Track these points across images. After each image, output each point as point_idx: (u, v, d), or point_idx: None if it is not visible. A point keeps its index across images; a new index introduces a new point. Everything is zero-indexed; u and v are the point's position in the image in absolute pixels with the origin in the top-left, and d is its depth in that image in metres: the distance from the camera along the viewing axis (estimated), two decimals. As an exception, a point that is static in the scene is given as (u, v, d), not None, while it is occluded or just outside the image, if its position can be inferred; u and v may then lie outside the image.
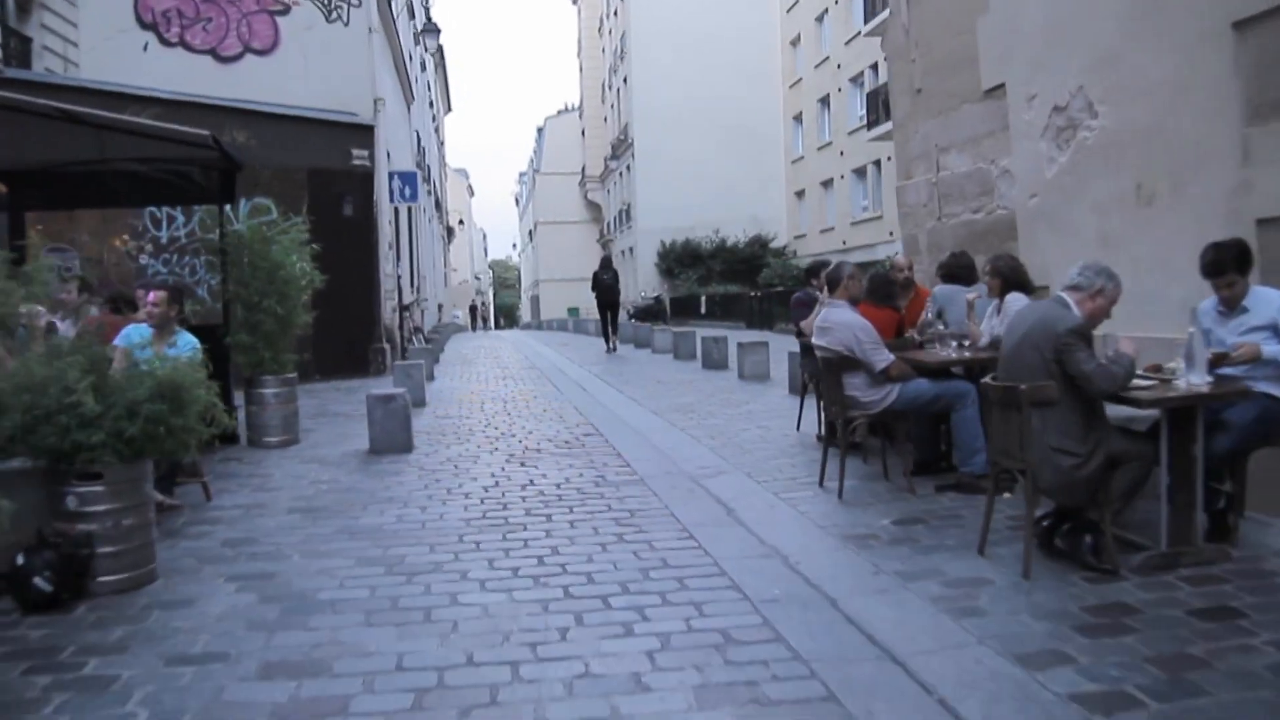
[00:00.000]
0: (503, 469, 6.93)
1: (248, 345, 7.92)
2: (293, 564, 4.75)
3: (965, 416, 5.72)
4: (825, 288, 6.18)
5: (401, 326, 15.07)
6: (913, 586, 4.07)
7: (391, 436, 7.58)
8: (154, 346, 6.07)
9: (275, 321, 7.99)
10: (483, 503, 5.93)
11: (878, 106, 28.04)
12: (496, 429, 8.86)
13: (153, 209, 12.08)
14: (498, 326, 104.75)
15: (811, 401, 8.08)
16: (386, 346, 14.15)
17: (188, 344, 5.99)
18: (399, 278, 15.15)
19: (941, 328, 6.41)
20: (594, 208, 58.69)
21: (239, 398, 8.20)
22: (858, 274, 6.03)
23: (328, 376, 13.42)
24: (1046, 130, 6.61)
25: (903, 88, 8.74)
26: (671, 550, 4.81)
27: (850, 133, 32.95)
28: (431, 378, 13.64)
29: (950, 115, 7.94)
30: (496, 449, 7.77)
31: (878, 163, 30.97)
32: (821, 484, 6.06)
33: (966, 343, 6.04)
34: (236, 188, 8.48)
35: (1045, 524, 4.44)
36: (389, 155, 15.61)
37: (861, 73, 31.89)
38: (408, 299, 17.52)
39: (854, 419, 5.85)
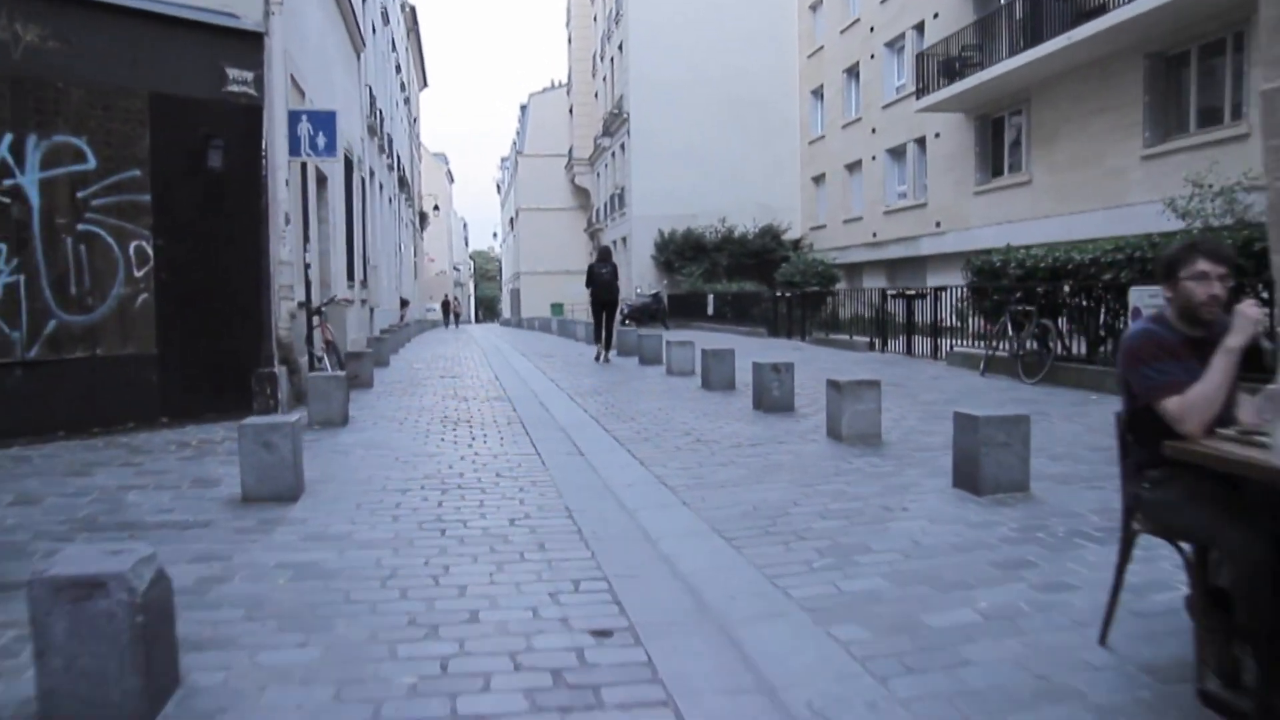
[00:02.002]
0: None
1: None
2: None
3: None
4: None
5: (311, 339, 10.33)
6: None
7: (91, 696, 2.86)
8: None
9: None
10: None
11: (929, 71, 23.40)
12: (403, 591, 4.14)
13: None
14: (477, 320, 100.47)
15: (1148, 569, 3.45)
16: (282, 370, 9.41)
17: None
18: (307, 267, 10.37)
19: None
20: (581, 193, 53.81)
21: None
22: None
23: (181, 420, 8.65)
24: None
25: None
26: None
27: (885, 106, 28.30)
28: (345, 421, 8.92)
29: None
30: (371, 698, 3.05)
31: (921, 140, 26.34)
32: None
33: None
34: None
35: None
36: (298, 87, 10.84)
37: (902, 35, 27.23)
38: (334, 293, 12.71)
39: None
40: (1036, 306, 11.47)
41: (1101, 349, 10.71)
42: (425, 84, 54.11)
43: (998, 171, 22.85)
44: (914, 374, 12.54)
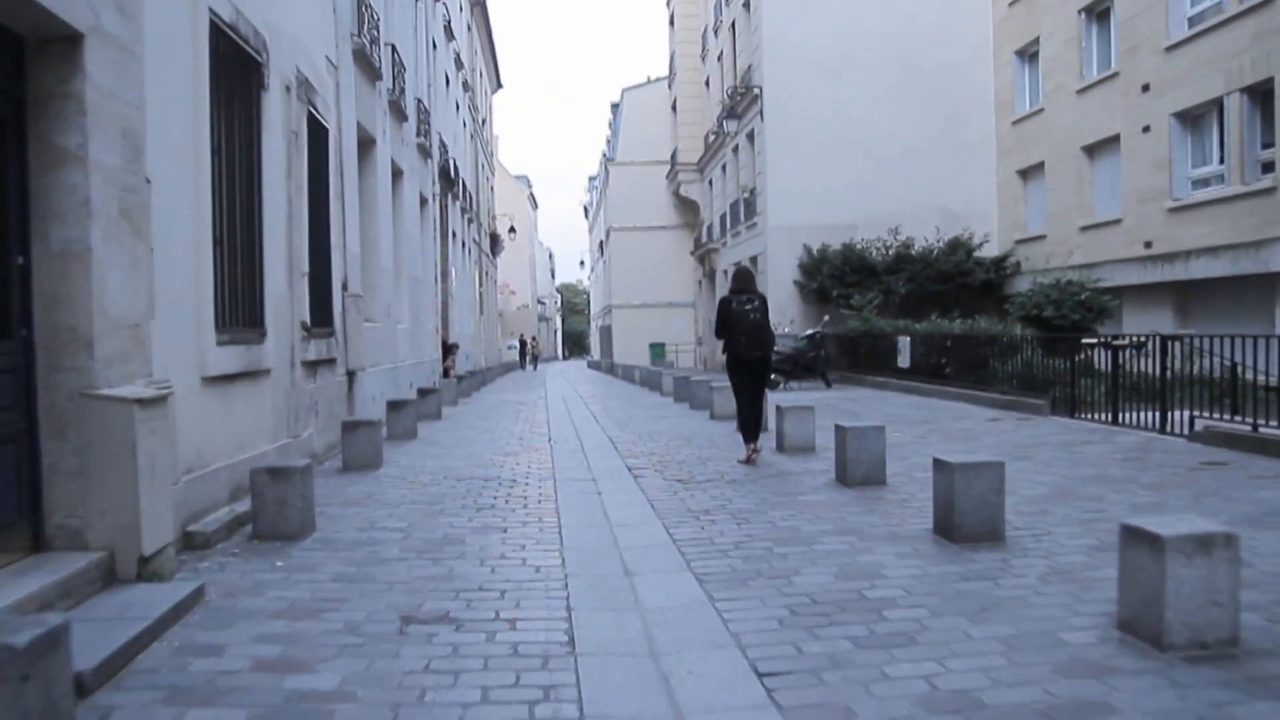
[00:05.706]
0: None
1: None
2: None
3: None
4: None
5: None
6: None
7: None
8: None
9: None
10: None
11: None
12: None
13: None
14: (564, 357, 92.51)
15: None
16: None
17: None
18: None
19: None
20: (688, 207, 44.57)
21: None
22: None
23: None
24: None
25: None
26: None
27: (1170, 48, 18.52)
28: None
29: None
30: None
31: (1255, 89, 16.47)
32: None
33: None
34: None
35: None
36: None
37: (1211, -71, 17.52)
38: None
39: None
40: None
41: None
42: (499, 85, 46.02)
43: None
44: None
